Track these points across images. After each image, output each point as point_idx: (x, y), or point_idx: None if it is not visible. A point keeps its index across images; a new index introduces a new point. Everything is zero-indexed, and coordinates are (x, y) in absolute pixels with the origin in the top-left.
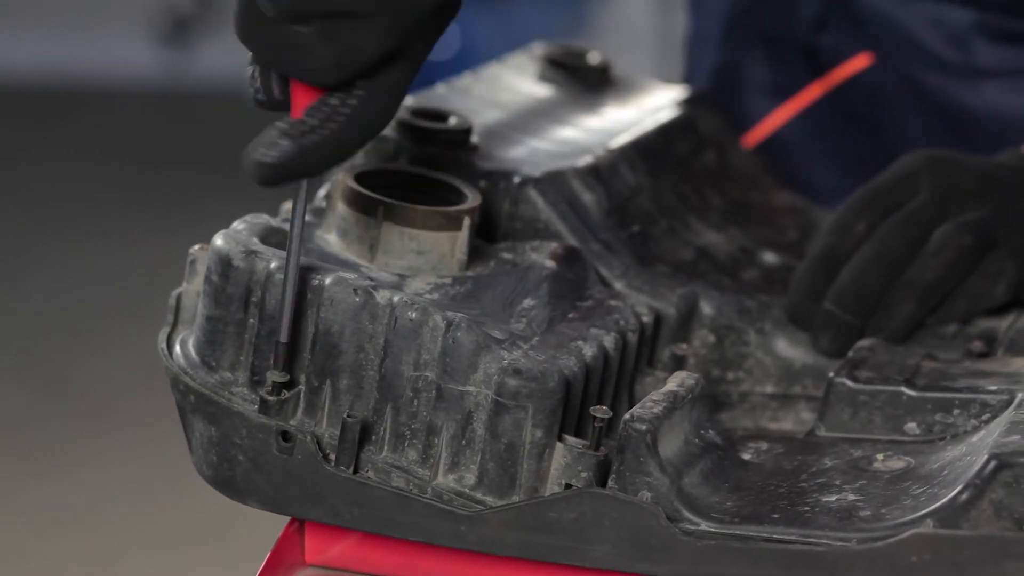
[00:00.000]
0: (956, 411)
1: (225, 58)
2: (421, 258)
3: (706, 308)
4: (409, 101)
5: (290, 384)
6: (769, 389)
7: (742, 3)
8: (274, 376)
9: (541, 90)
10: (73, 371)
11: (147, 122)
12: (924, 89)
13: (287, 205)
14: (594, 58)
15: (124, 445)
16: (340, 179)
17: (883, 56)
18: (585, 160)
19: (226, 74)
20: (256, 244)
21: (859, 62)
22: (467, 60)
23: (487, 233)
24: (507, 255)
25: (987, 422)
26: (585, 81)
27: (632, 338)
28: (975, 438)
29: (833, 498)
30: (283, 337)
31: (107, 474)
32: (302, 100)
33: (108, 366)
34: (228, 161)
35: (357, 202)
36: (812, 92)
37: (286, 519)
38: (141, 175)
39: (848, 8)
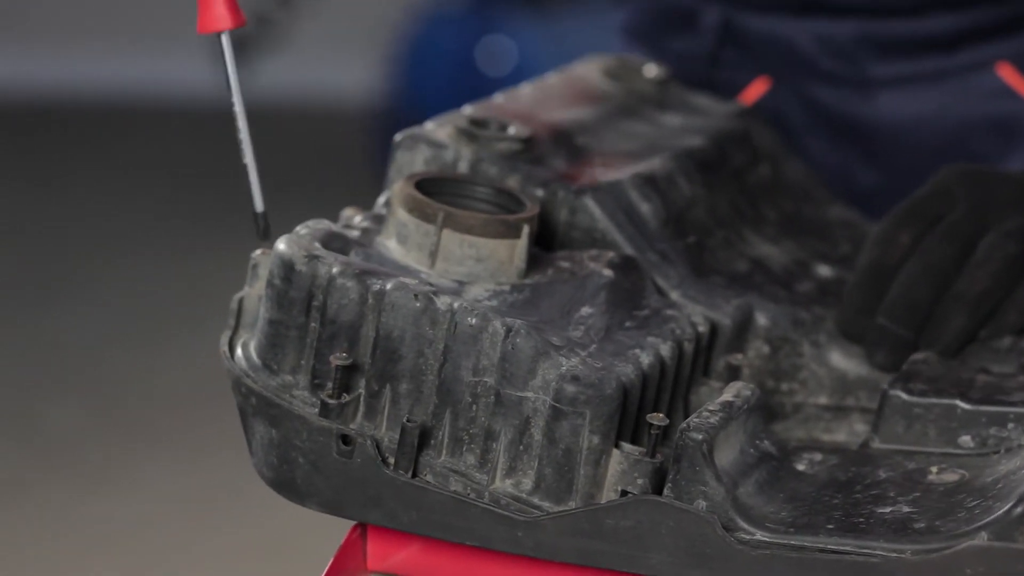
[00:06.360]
0: (1011, 425)
1: (283, 77)
2: (480, 265)
3: (761, 319)
4: (468, 110)
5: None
6: (823, 400)
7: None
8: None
9: (599, 101)
10: (127, 387)
11: (205, 139)
12: (820, 107)
13: (347, 211)
14: (651, 71)
15: (178, 461)
16: (401, 186)
17: (778, 79)
18: (642, 170)
19: (284, 92)
20: (318, 249)
21: (757, 88)
22: (524, 77)
23: (545, 241)
24: (565, 263)
25: None
26: (642, 93)
27: (688, 347)
28: None
29: (887, 510)
30: (258, 207)
31: (161, 490)
32: None
33: (163, 382)
34: (285, 177)
35: (417, 209)
36: None
37: (341, 532)
38: (198, 192)
39: (739, 35)
